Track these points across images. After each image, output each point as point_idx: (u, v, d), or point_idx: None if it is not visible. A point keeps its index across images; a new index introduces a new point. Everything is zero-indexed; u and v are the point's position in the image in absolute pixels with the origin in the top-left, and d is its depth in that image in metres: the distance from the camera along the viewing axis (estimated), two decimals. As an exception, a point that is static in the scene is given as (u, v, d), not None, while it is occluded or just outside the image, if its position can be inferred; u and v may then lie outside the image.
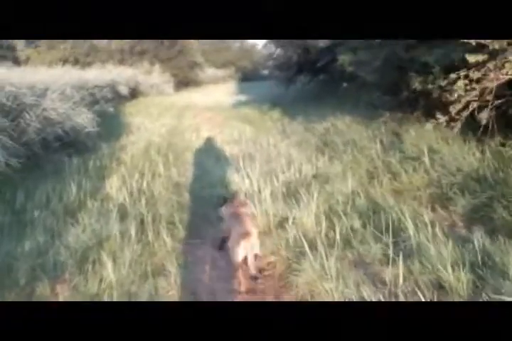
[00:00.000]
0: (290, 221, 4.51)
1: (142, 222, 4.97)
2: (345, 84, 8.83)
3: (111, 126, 12.81)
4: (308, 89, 19.07)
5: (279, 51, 17.53)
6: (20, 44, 34.26)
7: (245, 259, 3.80)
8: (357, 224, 4.37)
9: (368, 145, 7.16)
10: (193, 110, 18.22)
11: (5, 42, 29.58)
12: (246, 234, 3.85)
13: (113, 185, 6.28)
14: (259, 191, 5.43)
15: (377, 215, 4.48)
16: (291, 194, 5.41)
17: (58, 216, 5.16)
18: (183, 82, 34.09)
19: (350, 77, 12.50)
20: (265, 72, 50.59)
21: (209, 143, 9.80)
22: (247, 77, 46.21)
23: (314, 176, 6.06)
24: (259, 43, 58.44)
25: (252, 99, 20.88)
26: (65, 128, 9.33)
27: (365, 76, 8.08)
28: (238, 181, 6.05)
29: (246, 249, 3.77)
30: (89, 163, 7.85)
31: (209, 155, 8.35)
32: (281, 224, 4.63)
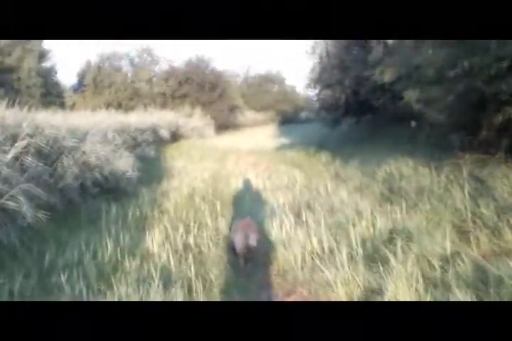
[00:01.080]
0: (386, 296, 3.52)
1: (190, 289, 4.09)
2: (413, 123, 7.87)
3: (152, 170, 12.22)
4: (355, 130, 18.28)
5: (325, 92, 16.84)
6: (67, 91, 35.22)
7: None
8: (467, 299, 3.36)
9: (445, 193, 6.17)
10: (235, 154, 17.57)
11: (54, 89, 30.12)
12: (244, 227, 5.14)
13: (155, 240, 5.46)
14: (331, 251, 4.49)
15: (491, 287, 3.46)
16: (371, 255, 4.45)
17: (89, 280, 4.33)
18: (223, 126, 33.94)
19: (409, 115, 11.70)
20: (304, 114, 50.96)
21: (257, 189, 8.98)
22: (287, 120, 46.02)
23: (392, 231, 5.08)
24: (298, 86, 58.80)
25: (296, 142, 20.21)
26: (104, 172, 8.71)
27: (435, 114, 7.18)
28: (303, 238, 5.10)
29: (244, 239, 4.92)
30: (129, 211, 7.10)
31: (260, 203, 7.48)
32: (371, 299, 3.65)
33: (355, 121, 17.73)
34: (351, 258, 4.31)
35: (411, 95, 7.52)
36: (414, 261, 4.01)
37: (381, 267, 3.93)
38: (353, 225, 5.33)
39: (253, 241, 4.95)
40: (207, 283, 4.24)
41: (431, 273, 3.85)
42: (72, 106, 30.71)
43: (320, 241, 4.79)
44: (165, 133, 21.62)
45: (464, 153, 7.45)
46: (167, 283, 4.19)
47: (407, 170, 8.08)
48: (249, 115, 42.60)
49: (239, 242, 4.96)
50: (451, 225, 5.14)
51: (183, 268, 4.61)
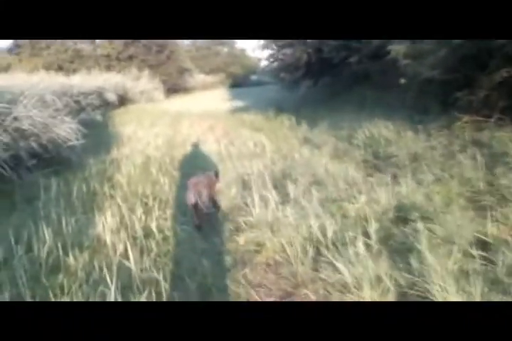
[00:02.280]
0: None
1: (159, 295, 3.09)
2: (403, 81, 6.98)
3: (99, 137, 10.95)
4: (314, 92, 17.37)
5: (284, 51, 15.68)
6: (1, 52, 32.50)
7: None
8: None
9: (448, 161, 5.37)
10: (188, 117, 16.31)
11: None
12: (195, 184, 4.81)
13: (107, 225, 4.39)
14: (343, 242, 3.53)
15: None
16: (387, 242, 3.55)
17: (18, 287, 3.24)
18: (173, 89, 32.32)
19: (378, 75, 10.89)
20: (255, 77, 49.64)
21: (221, 157, 7.96)
22: (238, 83, 44.61)
23: (400, 209, 4.18)
24: (248, 48, 57.17)
25: (251, 106, 19.12)
26: (41, 140, 7.44)
27: (425, 70, 6.28)
28: (294, 220, 4.12)
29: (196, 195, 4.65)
30: (73, 186, 5.96)
31: (228, 174, 6.45)
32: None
33: (313, 82, 16.78)
34: (372, 252, 3.36)
35: (398, 49, 6.58)
36: (445, 250, 3.15)
37: (412, 259, 3.03)
38: (350, 201, 4.43)
39: (205, 197, 4.66)
40: (179, 283, 3.26)
41: (476, 267, 2.99)
42: (7, 69, 28.15)
43: (321, 225, 3.83)
44: (112, 97, 20.07)
45: (452, 115, 6.66)
46: (126, 288, 3.17)
47: (389, 134, 7.25)
48: (198, 78, 40.94)
49: (189, 199, 4.68)
50: (464, 199, 4.33)
51: (145, 263, 3.60)
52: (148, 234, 4.31)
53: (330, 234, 3.67)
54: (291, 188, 5.10)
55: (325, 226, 3.79)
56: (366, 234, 3.64)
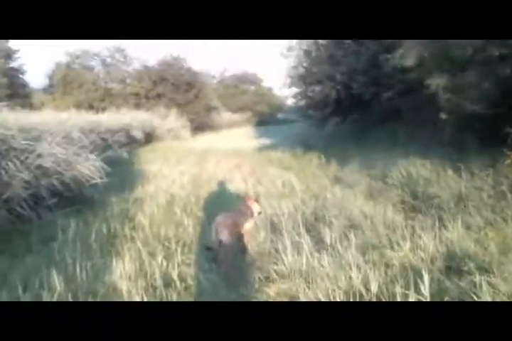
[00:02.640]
0: None
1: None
2: (444, 116, 6.57)
3: (124, 175, 10.74)
4: (342, 129, 17.06)
5: (313, 88, 15.51)
6: (36, 92, 33.44)
7: None
8: None
9: (500, 203, 4.89)
10: (214, 155, 16.11)
11: (21, 90, 28.57)
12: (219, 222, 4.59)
13: (124, 271, 4.02)
14: (390, 297, 3.07)
15: None
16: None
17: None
18: (200, 127, 32.45)
19: (410, 111, 10.54)
20: (281, 115, 49.84)
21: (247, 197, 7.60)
22: (264, 121, 44.76)
23: (451, 258, 3.71)
24: (275, 86, 57.79)
25: (278, 143, 18.87)
26: (64, 178, 7.21)
27: (464, 105, 5.89)
28: (332, 270, 3.66)
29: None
30: (93, 227, 5.65)
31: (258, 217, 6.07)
32: None
33: (342, 119, 16.51)
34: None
35: (438, 82, 6.22)
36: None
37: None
38: (393, 248, 3.98)
39: (225, 236, 4.44)
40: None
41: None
42: (41, 108, 28.78)
43: (363, 276, 3.37)
44: (138, 135, 20.11)
45: (496, 152, 6.20)
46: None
47: (427, 173, 6.81)
48: (225, 116, 41.20)
49: (209, 239, 4.60)
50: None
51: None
52: (168, 282, 3.91)
53: (373, 287, 3.22)
54: (325, 232, 4.68)
55: (367, 278, 3.35)
56: (415, 288, 3.18)
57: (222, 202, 7.24)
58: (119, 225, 5.82)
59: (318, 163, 11.19)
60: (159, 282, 3.89)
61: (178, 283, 3.84)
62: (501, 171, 5.70)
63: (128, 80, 33.74)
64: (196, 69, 35.28)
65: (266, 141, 21.34)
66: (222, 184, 9.15)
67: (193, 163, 13.95)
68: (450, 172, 6.43)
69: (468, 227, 4.37)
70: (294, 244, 4.35)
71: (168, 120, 26.63)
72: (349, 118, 16.44)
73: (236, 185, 9.05)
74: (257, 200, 5.39)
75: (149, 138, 22.06)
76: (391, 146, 10.42)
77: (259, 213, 5.19)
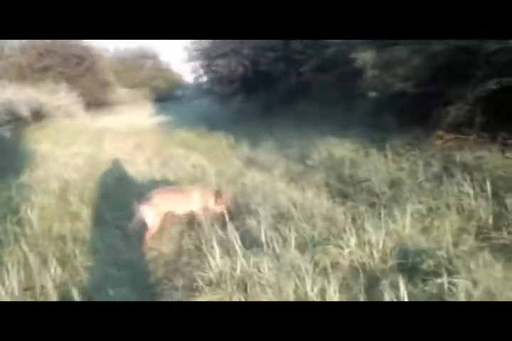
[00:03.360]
0: None
1: None
2: (373, 94, 6.11)
3: (7, 158, 9.36)
4: (247, 107, 16.44)
5: (218, 62, 14.64)
6: None
7: None
8: None
9: (440, 187, 4.53)
10: (111, 134, 14.89)
11: None
12: None
13: (5, 287, 3.12)
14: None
15: None
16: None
17: None
18: (93, 104, 30.27)
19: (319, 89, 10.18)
20: (180, 92, 48.19)
21: (154, 180, 6.77)
22: (162, 97, 42.93)
23: (404, 255, 3.23)
24: (173, 62, 55.95)
25: (180, 122, 17.87)
26: None
27: (395, 83, 5.48)
28: (272, 273, 3.04)
29: None
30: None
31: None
32: None
33: (247, 97, 15.91)
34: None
35: (365, 57, 5.74)
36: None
37: None
38: (337, 244, 3.42)
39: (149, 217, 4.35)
40: None
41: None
42: None
43: (314, 283, 2.77)
44: (24, 111, 18.08)
45: (418, 132, 5.94)
46: None
47: (350, 153, 6.40)
48: (121, 92, 38.97)
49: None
50: (473, 237, 3.48)
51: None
52: (65, 296, 3.08)
53: (329, 295, 2.65)
54: (252, 224, 4.05)
55: (317, 284, 2.77)
56: (374, 294, 2.65)
57: (124, 190, 6.36)
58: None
59: (226, 143, 10.49)
60: (54, 297, 3.04)
61: (77, 296, 3.01)
62: (430, 152, 5.41)
63: (6, 49, 30.49)
64: (87, 42, 32.83)
65: (166, 119, 20.25)
66: (121, 167, 8.20)
67: (87, 143, 12.70)
68: (374, 152, 6.07)
69: (411, 215, 3.94)
70: (219, 242, 3.66)
71: (57, 95, 24.42)
72: (255, 96, 15.84)
73: (139, 167, 8.14)
74: (217, 195, 4.83)
75: (37, 115, 20.04)
76: (302, 126, 9.99)
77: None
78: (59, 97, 24.36)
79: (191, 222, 4.60)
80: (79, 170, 8.09)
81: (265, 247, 3.50)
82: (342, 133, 7.49)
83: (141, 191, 5.64)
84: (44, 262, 3.66)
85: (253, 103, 16.16)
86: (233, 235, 3.62)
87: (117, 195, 6.05)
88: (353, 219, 3.97)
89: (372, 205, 4.54)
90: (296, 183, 5.88)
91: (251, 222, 4.11)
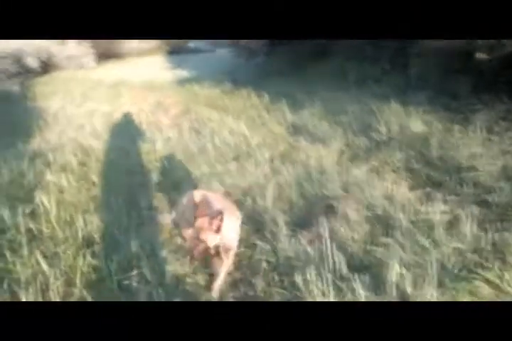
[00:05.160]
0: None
1: None
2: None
3: (14, 116, 8.32)
4: (273, 61, 15.03)
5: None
6: None
7: None
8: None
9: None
10: (127, 89, 13.70)
11: None
12: None
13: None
14: None
15: None
16: None
17: None
18: (105, 55, 28.82)
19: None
20: (193, 44, 46.24)
21: (191, 156, 5.71)
22: (176, 49, 41.13)
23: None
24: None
25: (200, 76, 16.60)
26: None
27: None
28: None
29: None
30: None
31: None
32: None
33: (269, 50, 14.53)
34: None
35: None
36: None
37: None
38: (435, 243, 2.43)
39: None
40: None
41: None
42: None
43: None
44: (33, 62, 16.84)
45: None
46: None
47: (431, 129, 5.25)
48: (133, 43, 37.29)
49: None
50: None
51: None
52: None
53: None
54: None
55: None
56: None
57: (159, 169, 5.32)
58: (8, 212, 3.79)
59: (260, 103, 9.26)
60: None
61: None
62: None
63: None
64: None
65: (185, 73, 18.90)
66: (144, 134, 7.12)
67: (103, 100, 11.54)
68: (461, 129, 4.94)
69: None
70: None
71: (67, 45, 23.04)
72: (281, 49, 14.43)
73: (167, 133, 7.06)
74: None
75: (46, 67, 18.79)
76: (348, 86, 8.77)
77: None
78: (69, 47, 22.99)
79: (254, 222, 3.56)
80: (98, 137, 7.03)
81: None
82: (408, 100, 6.33)
83: (182, 173, 4.63)
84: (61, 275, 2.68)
85: (280, 56, 14.74)
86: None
87: (146, 175, 5.03)
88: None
89: (483, 204, 3.48)
90: (366, 162, 4.81)
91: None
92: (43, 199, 3.99)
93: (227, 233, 2.66)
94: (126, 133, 7.30)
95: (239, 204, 3.83)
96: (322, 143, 5.65)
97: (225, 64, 18.42)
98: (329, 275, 2.54)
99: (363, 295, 2.43)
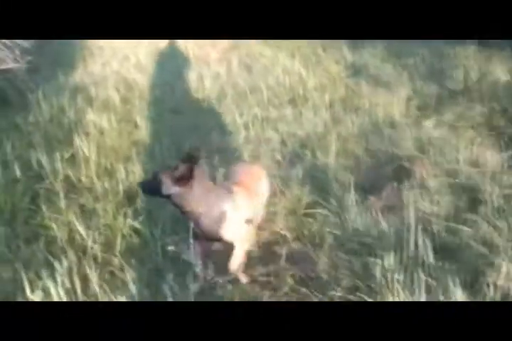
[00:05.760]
0: None
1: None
2: None
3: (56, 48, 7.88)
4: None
5: None
6: None
7: None
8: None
9: None
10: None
11: None
12: None
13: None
14: None
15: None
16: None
17: None
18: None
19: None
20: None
21: (244, 98, 5.20)
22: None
23: None
24: None
25: None
26: None
27: None
28: None
29: None
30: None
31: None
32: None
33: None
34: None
35: None
36: None
37: None
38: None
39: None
40: None
41: None
42: None
43: None
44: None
45: None
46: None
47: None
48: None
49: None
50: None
51: None
52: None
53: None
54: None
55: None
56: None
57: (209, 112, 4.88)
58: (45, 154, 3.49)
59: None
60: None
61: None
62: None
63: None
64: None
65: None
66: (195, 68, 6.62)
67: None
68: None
69: None
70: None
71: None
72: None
73: (216, 68, 6.54)
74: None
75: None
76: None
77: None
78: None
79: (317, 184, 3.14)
80: (142, 70, 6.59)
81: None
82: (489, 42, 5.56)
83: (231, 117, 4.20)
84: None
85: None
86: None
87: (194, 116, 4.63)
88: None
89: None
90: (438, 114, 4.24)
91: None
92: (83, 143, 3.66)
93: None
94: (171, 66, 6.83)
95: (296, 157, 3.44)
96: (386, 88, 5.05)
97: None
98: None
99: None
